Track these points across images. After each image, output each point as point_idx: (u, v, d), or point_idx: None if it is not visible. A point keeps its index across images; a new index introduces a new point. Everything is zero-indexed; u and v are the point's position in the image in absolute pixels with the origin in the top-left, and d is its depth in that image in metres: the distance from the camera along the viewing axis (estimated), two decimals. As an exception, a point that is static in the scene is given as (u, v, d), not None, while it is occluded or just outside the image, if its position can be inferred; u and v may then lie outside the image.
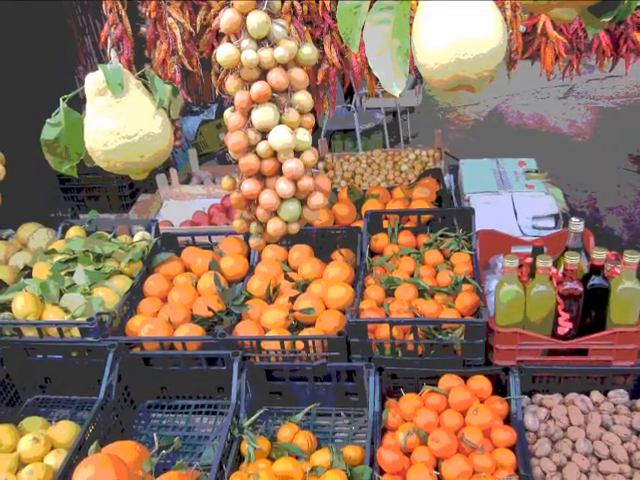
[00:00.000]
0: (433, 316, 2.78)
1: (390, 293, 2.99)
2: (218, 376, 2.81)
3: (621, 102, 9.88)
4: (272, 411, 2.81)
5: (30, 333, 2.92)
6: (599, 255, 2.47)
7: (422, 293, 2.97)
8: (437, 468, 2.31)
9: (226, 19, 2.13)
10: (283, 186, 2.24)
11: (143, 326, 2.91)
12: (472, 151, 6.74)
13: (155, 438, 2.60)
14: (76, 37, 5.25)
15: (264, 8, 2.11)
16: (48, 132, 2.26)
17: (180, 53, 3.02)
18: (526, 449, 2.33)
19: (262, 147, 2.23)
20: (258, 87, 2.15)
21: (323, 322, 2.84)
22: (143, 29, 3.12)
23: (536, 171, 4.18)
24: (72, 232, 3.45)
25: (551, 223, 3.66)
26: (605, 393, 2.56)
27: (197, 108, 6.95)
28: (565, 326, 2.53)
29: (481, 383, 2.55)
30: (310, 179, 2.28)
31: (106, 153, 2.17)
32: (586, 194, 7.17)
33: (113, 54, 2.26)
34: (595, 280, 2.51)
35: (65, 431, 2.63)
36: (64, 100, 2.24)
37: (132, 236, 3.53)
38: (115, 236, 3.48)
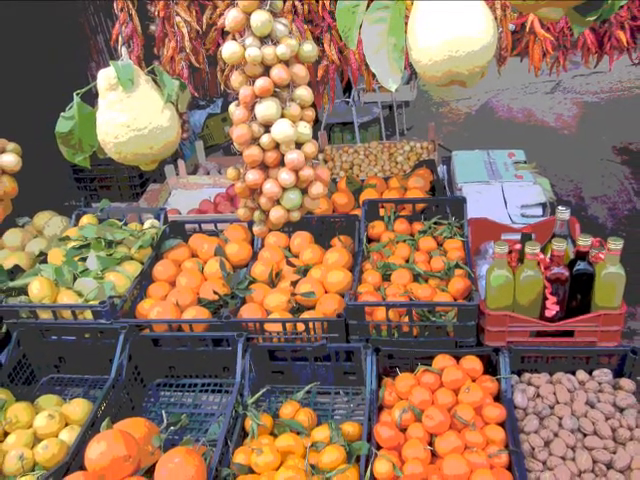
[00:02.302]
0: (427, 299, 2.77)
1: (386, 278, 2.99)
2: (223, 356, 2.81)
3: (605, 97, 9.86)
4: (274, 389, 2.81)
5: (45, 316, 2.92)
6: (584, 242, 2.46)
7: (417, 278, 2.97)
8: (431, 443, 2.31)
9: (231, 18, 2.11)
10: (285, 176, 2.23)
11: (152, 309, 2.91)
12: (464, 143, 6.74)
13: (164, 415, 2.61)
14: (89, 35, 5.25)
15: (267, 7, 2.10)
16: (62, 125, 2.25)
17: (187, 50, 3.00)
18: (515, 425, 2.34)
19: (265, 139, 2.22)
20: (261, 82, 2.14)
21: (323, 305, 2.84)
22: (152, 27, 3.11)
23: (525, 162, 4.17)
24: (85, 220, 3.44)
25: (539, 211, 3.66)
26: (590, 372, 2.56)
27: (204, 102, 6.95)
28: (552, 309, 2.53)
29: (473, 363, 2.55)
30: (310, 169, 2.27)
31: (117, 145, 2.16)
32: (572, 184, 7.16)
33: (124, 51, 2.25)
34: (581, 265, 2.50)
35: (79, 408, 2.64)
36: (77, 95, 2.22)
37: (142, 224, 3.52)
38: (126, 224, 3.48)
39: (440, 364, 2.56)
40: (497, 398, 2.49)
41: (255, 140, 2.25)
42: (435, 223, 3.26)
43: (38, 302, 2.93)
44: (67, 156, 2.33)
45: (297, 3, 2.88)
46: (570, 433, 2.30)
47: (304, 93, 2.23)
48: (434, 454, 2.29)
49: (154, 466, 2.24)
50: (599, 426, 2.31)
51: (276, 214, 2.34)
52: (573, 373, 2.56)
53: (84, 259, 3.13)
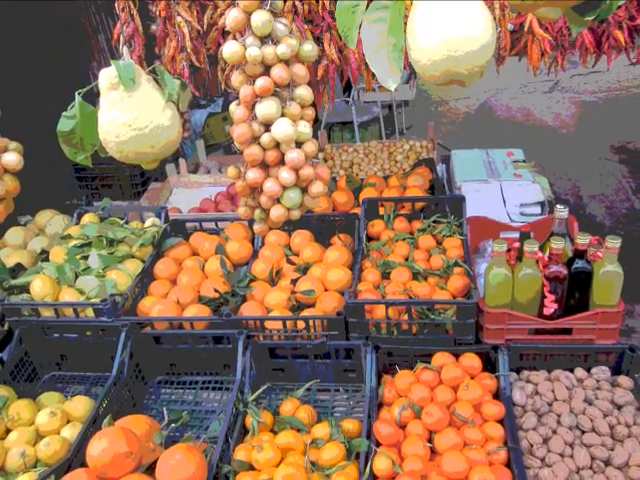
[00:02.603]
0: (426, 297, 2.77)
1: (386, 276, 2.99)
2: (224, 354, 2.81)
3: (603, 96, 9.86)
4: (275, 387, 2.81)
5: (47, 313, 2.92)
6: (583, 240, 2.46)
7: (416, 276, 2.96)
8: (430, 440, 2.32)
9: (231, 18, 2.12)
10: (285, 175, 2.24)
11: (153, 307, 2.91)
12: (463, 142, 6.73)
13: (165, 412, 2.61)
14: (90, 35, 5.24)
15: (267, 7, 2.10)
16: (64, 124, 2.25)
17: (188, 50, 3.00)
18: (514, 422, 2.34)
19: (265, 138, 2.22)
20: (262, 82, 2.14)
21: (323, 303, 2.84)
22: (153, 27, 3.11)
23: (523, 161, 4.17)
24: (87, 218, 3.44)
25: (537, 210, 3.66)
26: (588, 370, 2.56)
27: (204, 102, 6.94)
28: (551, 307, 2.53)
29: (472, 360, 2.55)
30: (310, 168, 2.27)
31: (119, 144, 2.16)
32: (570, 183, 7.16)
33: (125, 51, 2.26)
34: (579, 263, 2.50)
35: (80, 405, 2.64)
36: (79, 94, 2.22)
37: (143, 222, 3.52)
38: (127, 222, 3.48)
39: (439, 362, 2.56)
40: (496, 395, 2.49)
41: (255, 139, 2.26)
42: (434, 221, 3.26)
43: (40, 300, 2.93)
44: (69, 155, 2.33)
45: (297, 3, 2.88)
46: (568, 430, 2.30)
47: (304, 92, 2.24)
48: (433, 451, 2.30)
49: (155, 463, 2.23)
50: (597, 423, 2.31)
51: (276, 213, 2.34)
52: (571, 371, 2.56)
53: (86, 257, 3.13)
